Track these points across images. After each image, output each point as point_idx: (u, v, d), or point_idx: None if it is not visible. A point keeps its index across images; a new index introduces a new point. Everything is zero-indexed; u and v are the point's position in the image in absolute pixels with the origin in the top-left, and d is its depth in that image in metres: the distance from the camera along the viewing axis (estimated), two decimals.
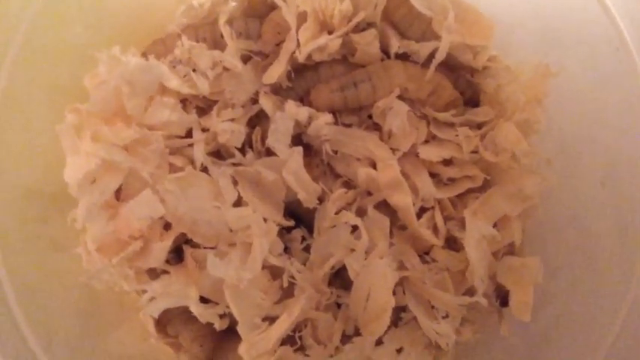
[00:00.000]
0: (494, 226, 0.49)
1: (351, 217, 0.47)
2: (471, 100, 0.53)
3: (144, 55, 0.50)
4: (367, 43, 0.49)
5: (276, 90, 0.51)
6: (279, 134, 0.47)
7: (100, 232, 0.44)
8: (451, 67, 0.51)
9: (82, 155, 0.44)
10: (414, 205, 0.48)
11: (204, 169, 0.48)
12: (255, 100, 0.51)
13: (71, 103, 0.47)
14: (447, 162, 0.50)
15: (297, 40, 0.48)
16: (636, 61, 0.41)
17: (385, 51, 0.51)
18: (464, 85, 0.52)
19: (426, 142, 0.50)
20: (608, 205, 0.46)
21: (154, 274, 0.48)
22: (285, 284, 0.46)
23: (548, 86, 0.48)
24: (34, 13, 0.45)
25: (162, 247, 0.45)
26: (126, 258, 0.44)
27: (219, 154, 0.51)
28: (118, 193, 0.47)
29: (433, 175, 0.50)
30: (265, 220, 0.46)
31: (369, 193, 0.50)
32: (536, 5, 0.48)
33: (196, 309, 0.45)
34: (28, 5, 0.45)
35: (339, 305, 0.49)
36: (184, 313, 0.48)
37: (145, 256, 0.45)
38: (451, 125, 0.51)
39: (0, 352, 0.40)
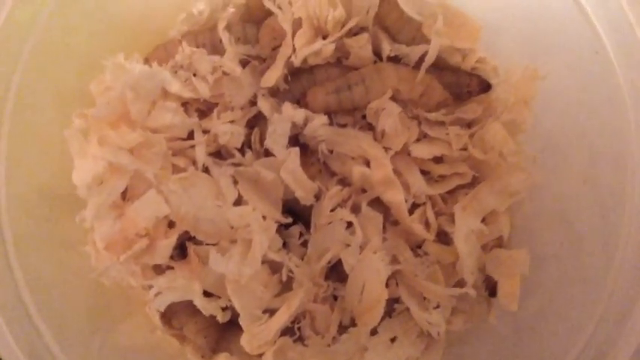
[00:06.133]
0: (483, 221, 0.51)
1: (345, 215, 0.49)
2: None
3: (146, 60, 0.53)
4: (360, 47, 0.51)
5: (274, 92, 0.53)
6: (276, 136, 0.50)
7: (107, 231, 0.47)
8: (441, 67, 0.54)
9: (90, 158, 0.46)
10: (406, 201, 0.50)
11: (206, 170, 0.50)
12: (253, 102, 0.53)
13: (78, 107, 0.49)
14: (438, 160, 0.52)
15: (293, 45, 0.50)
16: (614, 63, 0.43)
17: (377, 54, 0.53)
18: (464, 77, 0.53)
19: (418, 140, 0.52)
20: (590, 200, 0.48)
21: (159, 269, 0.50)
22: (284, 278, 0.49)
23: (536, 88, 0.50)
24: (42, 23, 0.47)
25: (167, 245, 0.48)
26: (132, 255, 0.47)
27: (219, 154, 0.53)
28: (124, 194, 0.49)
29: (424, 173, 0.52)
30: (264, 217, 0.48)
31: (364, 190, 0.52)
32: (521, 10, 0.50)
33: (200, 302, 0.48)
34: (37, 16, 0.47)
35: (335, 297, 0.52)
36: (188, 307, 0.50)
37: (151, 253, 0.48)
38: (441, 124, 0.53)
39: (16, 345, 0.42)
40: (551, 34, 0.49)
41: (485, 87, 0.53)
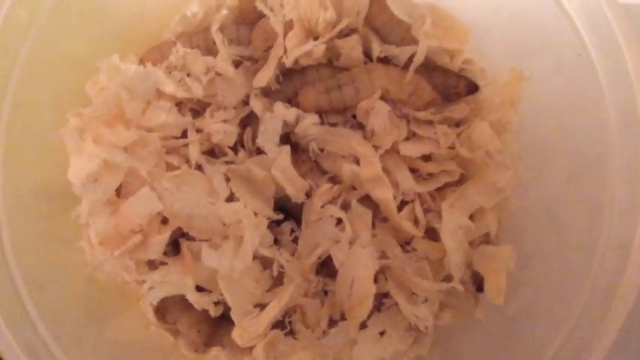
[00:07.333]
0: (470, 218, 0.52)
1: (335, 211, 0.50)
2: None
3: (141, 61, 0.54)
4: (350, 48, 0.52)
5: (266, 92, 0.54)
6: (268, 134, 0.51)
7: (102, 226, 0.48)
8: (430, 68, 0.55)
9: (85, 156, 0.47)
10: (395, 198, 0.51)
11: (199, 168, 0.52)
12: (246, 102, 0.54)
13: (74, 108, 0.50)
14: (426, 158, 0.53)
15: (285, 46, 0.52)
16: (596, 64, 0.45)
17: (368, 55, 0.54)
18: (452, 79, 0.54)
19: (407, 139, 0.53)
20: (574, 198, 0.49)
21: (153, 265, 0.51)
22: (275, 273, 0.50)
23: (521, 89, 0.51)
24: (39, 25, 0.48)
25: (160, 240, 0.49)
26: (127, 251, 0.48)
27: (212, 153, 0.54)
28: (119, 191, 0.50)
29: (413, 171, 0.53)
30: (256, 214, 0.49)
31: (354, 188, 0.53)
32: (507, 13, 0.51)
33: (192, 297, 0.49)
34: (34, 18, 0.48)
35: (326, 292, 0.53)
36: (181, 302, 0.51)
37: (145, 248, 0.49)
38: (430, 123, 0.54)
39: (13, 339, 0.43)
40: (536, 37, 0.50)
41: (473, 89, 0.54)
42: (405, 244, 0.53)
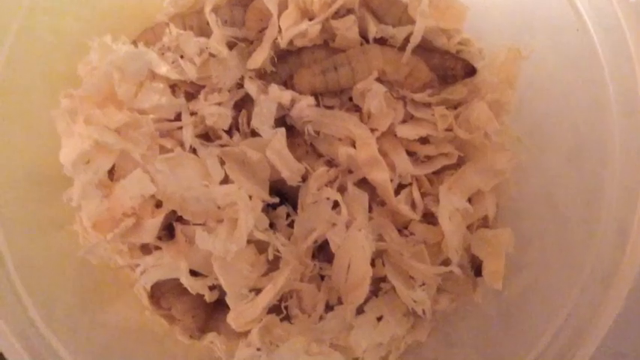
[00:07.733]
0: (469, 202, 0.51)
1: (331, 193, 0.49)
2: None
3: (134, 43, 0.53)
4: (346, 29, 0.51)
5: (261, 75, 0.54)
6: (262, 116, 0.50)
7: (94, 209, 0.47)
8: (427, 49, 0.54)
9: (77, 137, 0.46)
10: (392, 181, 0.50)
11: (193, 151, 0.51)
12: (240, 85, 0.53)
13: (65, 89, 0.50)
14: (424, 141, 0.52)
15: (279, 26, 0.51)
16: (595, 40, 0.44)
17: (364, 36, 0.53)
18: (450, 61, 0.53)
19: (404, 121, 0.53)
20: (574, 180, 0.48)
21: (146, 249, 0.51)
22: (271, 257, 0.49)
23: (519, 68, 0.50)
24: (30, 5, 0.47)
25: (153, 223, 0.48)
26: (119, 234, 0.47)
27: (207, 136, 0.53)
28: (112, 174, 0.50)
29: (410, 154, 0.52)
30: (251, 197, 0.48)
31: (350, 171, 0.52)
32: None
33: (187, 281, 0.48)
34: None
35: (322, 277, 0.52)
36: (176, 287, 0.50)
37: (138, 231, 0.48)
38: (427, 105, 0.53)
39: (5, 324, 0.42)
40: (534, 13, 0.49)
41: (470, 71, 0.53)
42: (403, 227, 0.52)
